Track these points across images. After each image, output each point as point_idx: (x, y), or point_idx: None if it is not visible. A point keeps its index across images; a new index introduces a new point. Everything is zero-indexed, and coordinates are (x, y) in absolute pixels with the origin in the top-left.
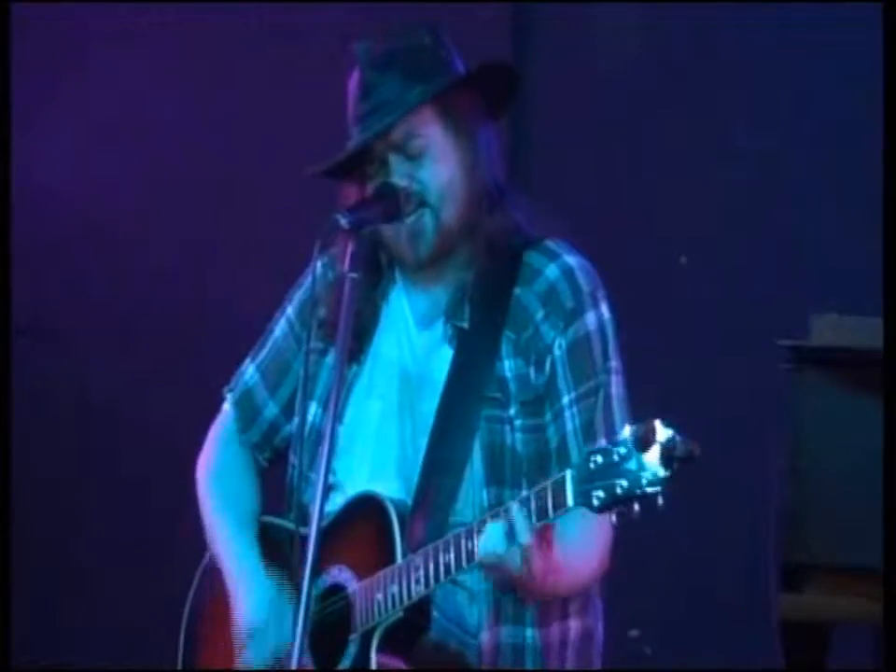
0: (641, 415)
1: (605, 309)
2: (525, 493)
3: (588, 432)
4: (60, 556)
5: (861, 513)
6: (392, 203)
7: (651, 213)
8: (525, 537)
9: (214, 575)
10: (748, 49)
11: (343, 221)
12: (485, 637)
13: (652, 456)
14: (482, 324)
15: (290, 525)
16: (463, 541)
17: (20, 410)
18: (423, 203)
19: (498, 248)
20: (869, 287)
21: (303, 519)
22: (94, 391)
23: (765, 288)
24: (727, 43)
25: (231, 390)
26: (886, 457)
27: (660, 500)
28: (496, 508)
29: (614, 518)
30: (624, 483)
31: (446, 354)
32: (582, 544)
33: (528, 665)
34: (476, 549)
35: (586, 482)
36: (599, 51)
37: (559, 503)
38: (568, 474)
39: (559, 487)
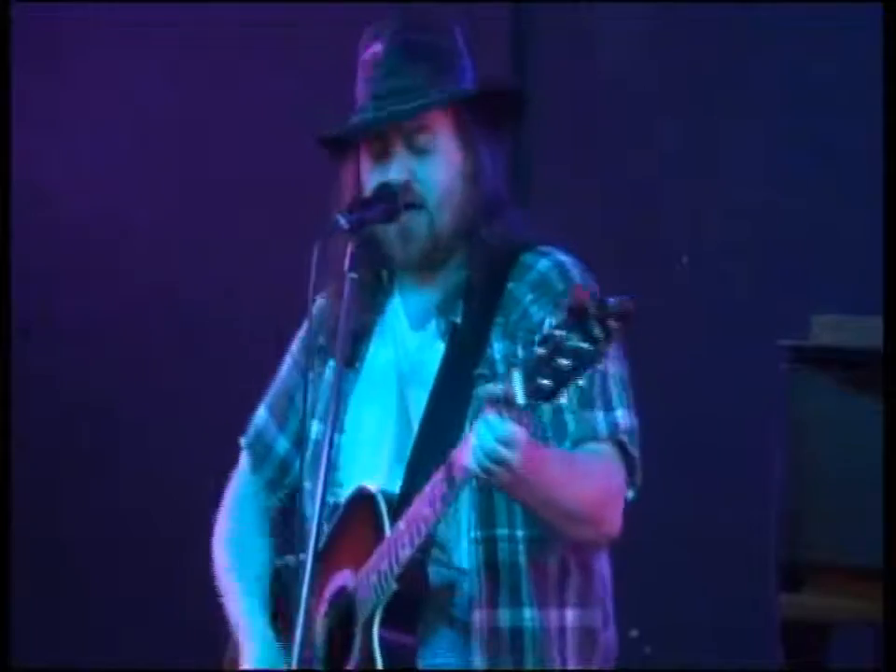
0: (644, 412)
1: None
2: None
3: (583, 402)
4: (59, 556)
5: (860, 513)
6: (392, 203)
7: (653, 214)
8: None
9: None
10: (749, 51)
11: (343, 222)
12: (480, 617)
13: (588, 323)
14: (474, 317)
15: (293, 561)
16: (438, 490)
17: (20, 410)
18: (420, 205)
19: (495, 253)
20: (869, 287)
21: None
22: (94, 391)
23: (765, 288)
24: (729, 46)
25: (245, 436)
26: (886, 457)
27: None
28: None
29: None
30: (567, 361)
31: (439, 348)
32: (588, 462)
33: (528, 651)
34: (449, 494)
35: (533, 376)
36: (599, 54)
37: (511, 404)
38: (515, 374)
39: (510, 388)
